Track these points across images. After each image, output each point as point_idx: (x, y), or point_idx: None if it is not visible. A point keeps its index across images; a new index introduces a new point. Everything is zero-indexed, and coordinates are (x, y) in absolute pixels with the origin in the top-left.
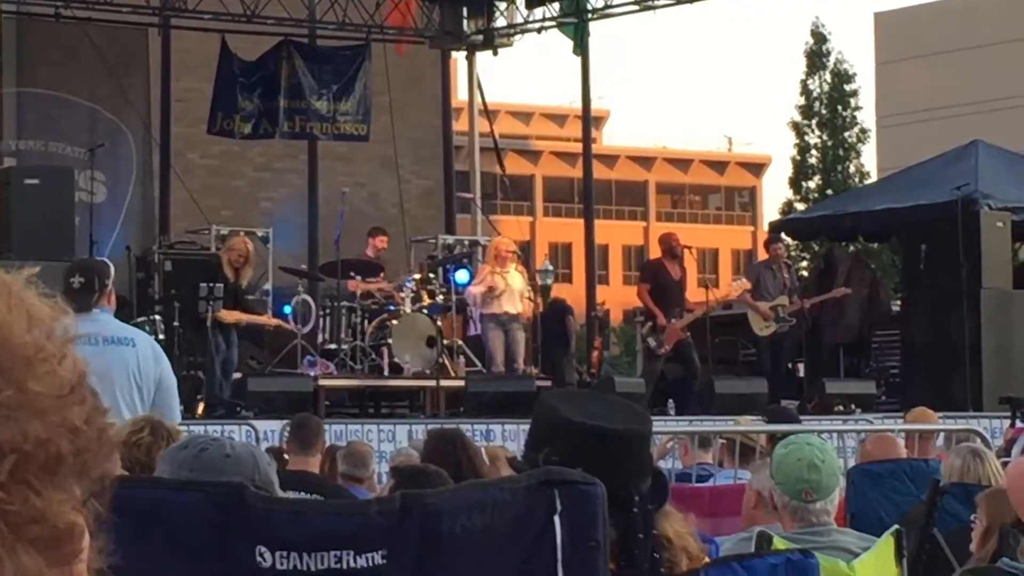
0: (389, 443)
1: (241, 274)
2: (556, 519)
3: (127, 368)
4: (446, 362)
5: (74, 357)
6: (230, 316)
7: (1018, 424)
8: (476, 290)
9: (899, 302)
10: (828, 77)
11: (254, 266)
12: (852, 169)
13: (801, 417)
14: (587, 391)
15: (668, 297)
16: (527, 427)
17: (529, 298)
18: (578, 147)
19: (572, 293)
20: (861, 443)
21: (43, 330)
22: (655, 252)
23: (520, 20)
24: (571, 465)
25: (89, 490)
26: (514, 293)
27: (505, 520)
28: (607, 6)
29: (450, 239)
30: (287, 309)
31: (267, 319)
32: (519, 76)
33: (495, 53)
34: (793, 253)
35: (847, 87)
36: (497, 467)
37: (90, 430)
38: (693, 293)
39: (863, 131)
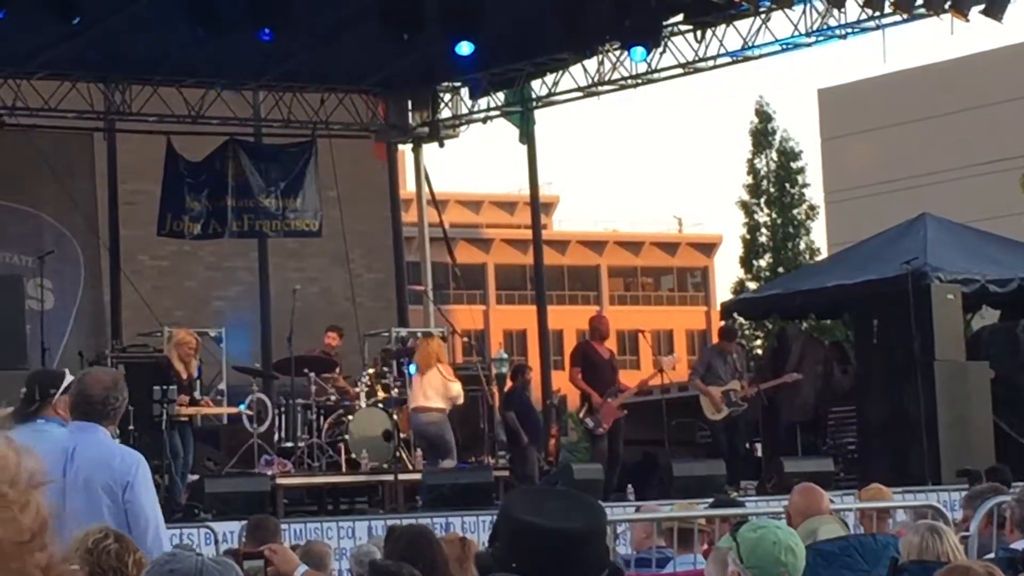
0: (349, 539)
1: (191, 366)
2: None
3: None
4: (403, 455)
5: (38, 504)
6: (187, 410)
7: None
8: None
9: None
10: (774, 155)
11: (205, 363)
12: (802, 246)
13: (759, 499)
14: (552, 487)
15: (601, 377)
16: (487, 519)
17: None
18: (528, 234)
19: None
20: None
21: (6, 478)
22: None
23: (465, 111)
24: (516, 562)
25: None
26: (437, 391)
27: None
28: (551, 93)
29: (403, 332)
30: (242, 408)
31: (225, 409)
32: (467, 165)
33: (441, 144)
34: (746, 332)
35: (793, 164)
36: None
37: None
38: (646, 373)
39: (811, 208)
